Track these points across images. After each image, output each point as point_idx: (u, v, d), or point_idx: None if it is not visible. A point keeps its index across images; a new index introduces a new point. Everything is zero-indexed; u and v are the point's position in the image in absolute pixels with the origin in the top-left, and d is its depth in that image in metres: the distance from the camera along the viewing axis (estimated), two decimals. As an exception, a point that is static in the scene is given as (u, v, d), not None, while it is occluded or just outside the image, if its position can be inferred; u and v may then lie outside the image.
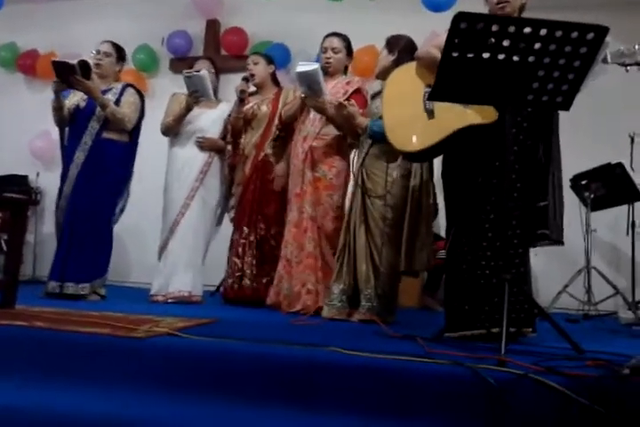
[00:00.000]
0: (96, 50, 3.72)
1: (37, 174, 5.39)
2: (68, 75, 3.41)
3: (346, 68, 3.58)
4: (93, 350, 1.96)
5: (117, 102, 3.64)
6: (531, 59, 1.88)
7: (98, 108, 3.59)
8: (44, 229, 5.48)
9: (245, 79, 3.78)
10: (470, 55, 1.87)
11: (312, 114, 3.44)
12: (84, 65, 3.44)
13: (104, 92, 3.65)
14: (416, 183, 2.97)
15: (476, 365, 1.68)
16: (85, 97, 3.62)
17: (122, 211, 3.81)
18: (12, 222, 2.85)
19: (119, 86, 3.75)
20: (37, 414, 1.69)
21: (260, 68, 3.83)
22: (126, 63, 4.01)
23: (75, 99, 3.69)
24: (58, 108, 3.59)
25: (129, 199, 3.83)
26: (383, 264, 2.98)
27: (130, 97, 3.72)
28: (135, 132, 3.79)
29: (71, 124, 3.69)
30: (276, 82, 3.94)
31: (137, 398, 1.80)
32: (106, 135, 3.63)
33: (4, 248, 4.72)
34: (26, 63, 5.63)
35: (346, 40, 3.51)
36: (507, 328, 1.88)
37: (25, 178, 5.41)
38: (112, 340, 2.00)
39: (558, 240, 2.46)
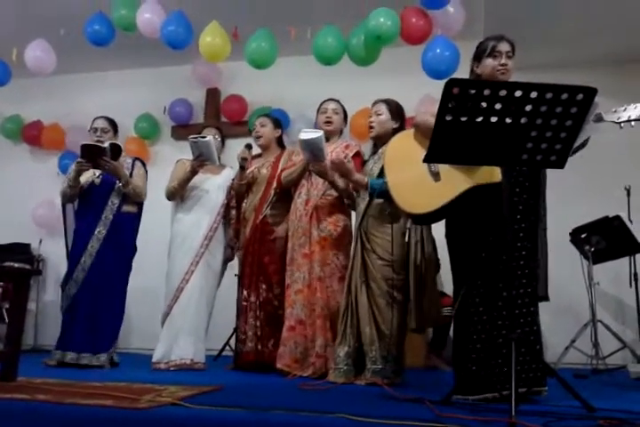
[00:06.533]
0: (93, 128, 3.82)
1: (40, 242, 5.43)
2: (96, 156, 3.51)
3: (341, 132, 3.68)
4: (96, 422, 1.91)
5: (130, 176, 3.74)
6: (523, 120, 1.92)
7: (117, 184, 3.69)
8: (46, 298, 5.46)
9: (248, 146, 3.79)
10: (464, 119, 1.92)
11: (314, 178, 3.49)
12: (114, 147, 3.56)
13: None
14: (417, 240, 3.00)
15: (486, 428, 1.65)
16: (98, 173, 3.72)
17: None
18: (14, 292, 2.84)
19: (129, 160, 3.87)
20: None
21: (266, 131, 3.88)
22: (129, 131, 4.09)
23: (87, 175, 3.76)
24: (75, 186, 3.67)
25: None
26: (388, 325, 2.95)
27: (139, 170, 3.87)
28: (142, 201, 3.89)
29: (84, 199, 3.75)
30: (281, 144, 3.98)
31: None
32: (124, 209, 3.74)
33: (6, 318, 4.70)
34: (31, 134, 5.76)
35: (341, 104, 3.66)
36: (516, 389, 1.86)
37: (27, 246, 5.44)
38: (115, 411, 1.96)
39: (544, 297, 2.47)
